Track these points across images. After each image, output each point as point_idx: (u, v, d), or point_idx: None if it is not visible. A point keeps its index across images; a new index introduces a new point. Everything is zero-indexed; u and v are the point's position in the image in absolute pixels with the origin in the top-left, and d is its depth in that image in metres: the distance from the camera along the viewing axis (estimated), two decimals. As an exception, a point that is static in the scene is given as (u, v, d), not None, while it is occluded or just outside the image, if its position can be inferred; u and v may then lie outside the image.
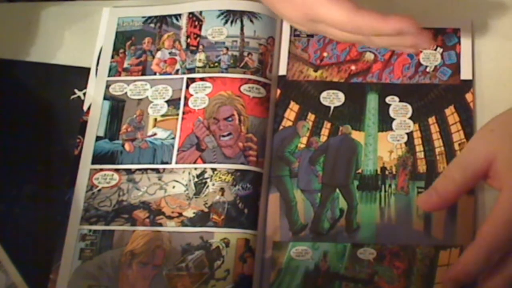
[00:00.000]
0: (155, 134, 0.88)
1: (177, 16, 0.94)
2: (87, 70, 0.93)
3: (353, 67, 0.90)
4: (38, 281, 0.82)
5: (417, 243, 0.81)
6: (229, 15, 0.92)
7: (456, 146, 0.85)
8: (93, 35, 0.95)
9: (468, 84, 0.87)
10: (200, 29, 0.93)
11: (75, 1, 0.99)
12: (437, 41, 0.90)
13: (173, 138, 0.87)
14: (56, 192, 0.86)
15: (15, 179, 0.88)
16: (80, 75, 0.92)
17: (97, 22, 0.96)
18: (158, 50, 0.93)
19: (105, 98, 0.91)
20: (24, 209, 0.86)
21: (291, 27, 0.93)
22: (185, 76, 0.90)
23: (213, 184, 0.84)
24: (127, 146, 0.88)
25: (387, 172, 0.85)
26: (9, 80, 0.93)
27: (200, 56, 0.91)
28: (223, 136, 0.86)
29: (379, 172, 0.85)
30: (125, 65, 0.92)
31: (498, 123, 0.75)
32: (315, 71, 0.91)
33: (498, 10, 0.92)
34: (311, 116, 0.88)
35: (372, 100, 0.88)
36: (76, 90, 0.92)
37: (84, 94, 0.91)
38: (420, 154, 0.85)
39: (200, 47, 0.92)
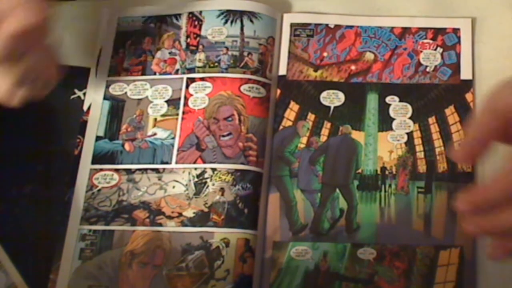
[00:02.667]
0: (155, 134, 0.88)
1: (177, 16, 0.94)
2: (87, 70, 0.93)
3: (353, 67, 0.90)
4: (38, 281, 0.82)
5: (417, 243, 0.81)
6: (229, 15, 0.92)
7: (456, 146, 0.85)
8: (93, 35, 0.95)
9: (468, 84, 0.87)
10: (200, 29, 0.93)
11: (75, 1, 0.99)
12: (437, 41, 0.90)
13: (173, 138, 0.87)
14: (56, 192, 0.86)
15: (15, 179, 0.88)
16: (80, 75, 0.92)
17: (97, 22, 0.96)
18: (158, 50, 0.93)
19: (105, 98, 0.91)
20: (24, 209, 0.86)
21: (291, 27, 0.93)
22: (185, 76, 0.90)
23: (213, 184, 0.84)
24: (127, 146, 0.88)
25: (387, 172, 0.85)
26: (9, 80, 0.93)
27: (200, 56, 0.91)
28: (223, 136, 0.86)
29: (379, 172, 0.85)
30: (125, 65, 0.92)
31: None
32: (315, 71, 0.91)
33: (498, 10, 0.92)
34: (311, 116, 0.88)
35: (372, 100, 0.88)
36: (76, 90, 0.92)
37: (84, 94, 0.91)
38: (420, 154, 0.85)
39: (200, 47, 0.92)
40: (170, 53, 0.92)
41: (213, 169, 0.85)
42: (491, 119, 0.69)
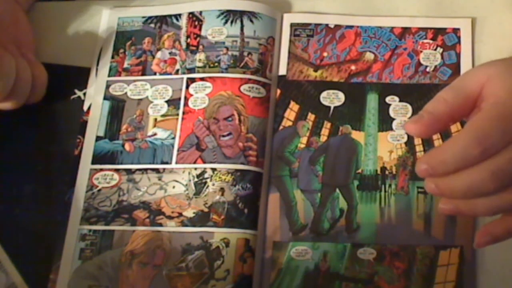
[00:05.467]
0: (155, 134, 0.88)
1: (177, 16, 0.94)
2: (87, 70, 0.93)
3: (353, 67, 0.90)
4: (38, 281, 0.82)
5: (417, 243, 0.81)
6: (229, 15, 0.92)
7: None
8: (93, 35, 0.95)
9: (468, 84, 0.87)
10: (200, 29, 0.93)
11: (75, 1, 0.99)
12: (437, 41, 0.90)
13: (173, 138, 0.87)
14: (56, 192, 0.86)
15: (15, 179, 0.88)
16: (80, 75, 0.92)
17: (97, 22, 0.96)
18: (158, 50, 0.93)
19: (105, 98, 0.91)
20: (24, 209, 0.86)
21: (291, 27, 0.93)
22: (185, 76, 0.90)
23: (213, 184, 0.84)
24: (127, 146, 0.88)
25: (387, 172, 0.85)
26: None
27: (200, 56, 0.91)
28: (223, 136, 0.86)
29: (379, 172, 0.85)
30: (125, 65, 0.92)
31: (496, 60, 0.71)
32: (315, 71, 0.91)
33: (498, 9, 0.92)
34: (311, 116, 0.88)
35: (372, 100, 0.88)
36: (76, 90, 0.92)
37: (84, 94, 0.91)
38: (420, 154, 0.85)
39: (200, 47, 0.92)
40: (170, 53, 0.92)
41: (213, 169, 0.85)
42: (455, 96, 0.68)
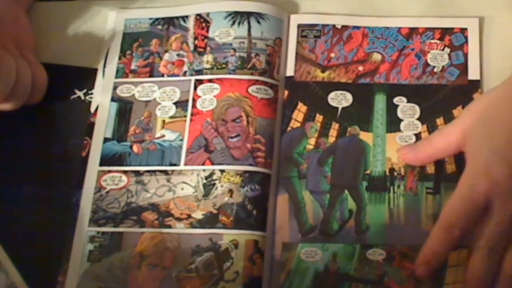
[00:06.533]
0: (163, 136, 0.88)
1: (185, 18, 0.94)
2: (87, 70, 0.93)
3: (360, 68, 0.91)
4: (38, 281, 0.82)
5: (426, 243, 0.81)
6: (236, 16, 0.92)
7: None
8: (94, 35, 0.95)
9: (476, 85, 0.88)
10: (207, 31, 0.93)
11: (75, 1, 0.98)
12: (445, 41, 0.91)
13: (182, 139, 0.87)
14: (57, 192, 0.86)
15: (15, 179, 0.87)
16: (80, 75, 0.92)
17: (98, 22, 0.96)
18: (165, 51, 0.93)
19: (112, 100, 0.90)
20: (24, 209, 0.86)
21: (298, 28, 0.93)
22: (193, 78, 0.90)
23: (222, 186, 0.84)
24: (135, 148, 0.87)
25: (395, 173, 0.85)
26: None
27: (208, 57, 0.91)
28: (231, 137, 0.86)
29: (387, 173, 0.85)
30: (133, 66, 0.92)
31: (478, 104, 0.82)
32: (323, 72, 0.91)
33: (506, 9, 0.92)
34: (319, 117, 0.88)
35: (380, 101, 0.88)
36: (76, 90, 0.92)
37: (84, 94, 0.91)
38: (427, 155, 0.86)
39: (208, 48, 0.92)
40: (178, 55, 0.92)
41: (222, 171, 0.85)
42: (438, 143, 0.83)
